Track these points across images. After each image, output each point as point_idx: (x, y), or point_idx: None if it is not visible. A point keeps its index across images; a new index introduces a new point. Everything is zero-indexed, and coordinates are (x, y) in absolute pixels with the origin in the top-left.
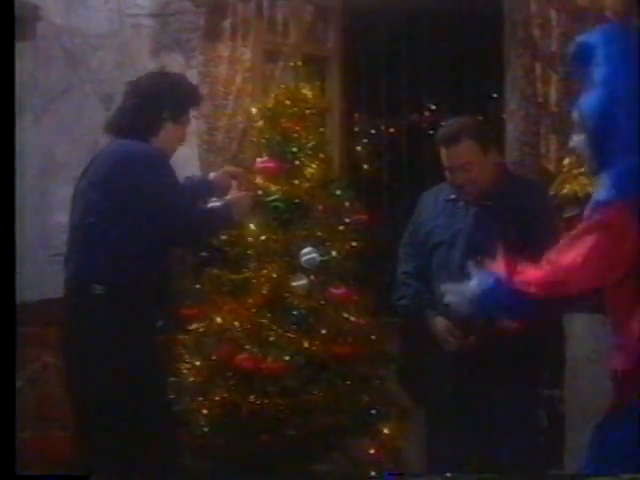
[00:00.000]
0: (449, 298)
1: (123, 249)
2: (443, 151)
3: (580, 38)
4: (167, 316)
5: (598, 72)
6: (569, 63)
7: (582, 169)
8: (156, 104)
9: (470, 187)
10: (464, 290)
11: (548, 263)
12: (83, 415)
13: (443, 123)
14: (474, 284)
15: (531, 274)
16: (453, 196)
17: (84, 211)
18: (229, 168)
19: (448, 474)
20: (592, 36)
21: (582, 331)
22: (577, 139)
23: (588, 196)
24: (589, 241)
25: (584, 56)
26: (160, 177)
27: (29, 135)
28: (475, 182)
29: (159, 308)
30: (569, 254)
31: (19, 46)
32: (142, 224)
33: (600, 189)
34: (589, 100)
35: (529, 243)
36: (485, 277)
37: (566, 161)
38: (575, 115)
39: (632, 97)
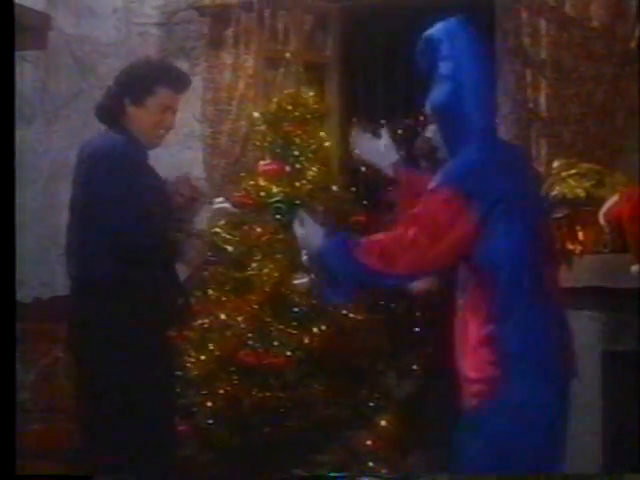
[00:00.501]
0: (304, 244)
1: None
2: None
3: (425, 33)
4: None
5: (444, 66)
6: (418, 59)
7: (571, 172)
8: (117, 88)
9: None
10: (316, 243)
11: (386, 235)
12: (89, 411)
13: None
14: (322, 242)
15: (369, 242)
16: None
17: (69, 207)
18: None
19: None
20: (436, 31)
21: (571, 325)
22: (430, 129)
23: (577, 197)
24: (418, 221)
25: (430, 51)
26: (109, 181)
27: (40, 139)
28: None
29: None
30: (400, 230)
31: (31, 54)
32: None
33: (441, 174)
34: (437, 93)
35: None
36: (333, 238)
37: (555, 164)
38: (427, 107)
39: (475, 90)
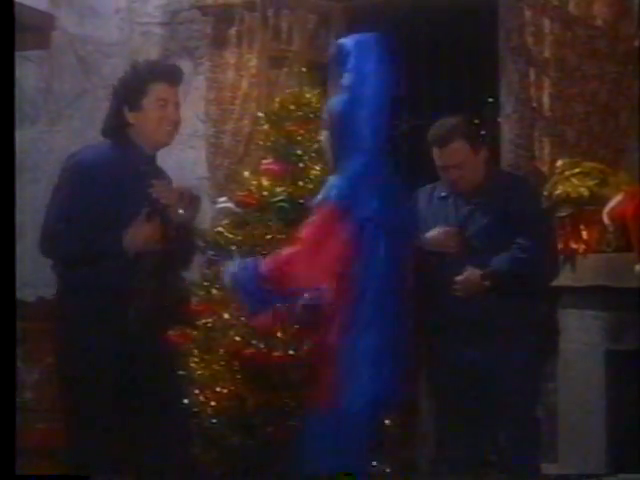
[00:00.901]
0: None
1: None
2: (435, 151)
3: (339, 42)
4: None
5: (347, 77)
6: (328, 62)
7: (575, 171)
8: (114, 101)
9: (461, 185)
10: (229, 268)
11: (278, 254)
12: (88, 411)
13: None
14: (233, 266)
15: (268, 261)
16: (444, 194)
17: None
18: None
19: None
20: (348, 42)
21: (575, 324)
22: (323, 135)
23: (581, 196)
24: (302, 238)
25: (339, 60)
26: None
27: (44, 139)
28: (466, 180)
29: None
30: (290, 246)
31: (35, 54)
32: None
33: (325, 188)
34: (334, 100)
35: (518, 239)
36: (242, 262)
37: (559, 163)
38: (325, 113)
39: (371, 107)
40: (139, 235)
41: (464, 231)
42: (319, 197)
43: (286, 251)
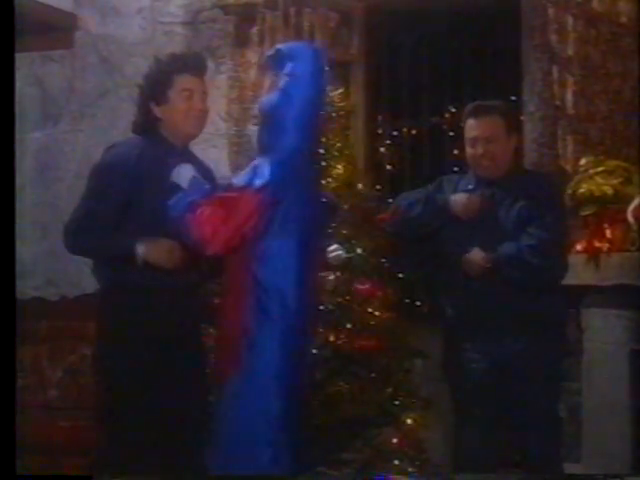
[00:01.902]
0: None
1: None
2: (471, 122)
3: (279, 46)
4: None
5: (282, 78)
6: (273, 65)
7: (598, 169)
8: (141, 97)
9: (487, 162)
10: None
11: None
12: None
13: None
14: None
15: (199, 216)
16: (471, 186)
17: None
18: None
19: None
20: (288, 48)
21: (598, 323)
22: (252, 129)
23: (604, 195)
24: (221, 204)
25: (277, 62)
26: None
27: (67, 138)
28: (492, 159)
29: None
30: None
31: (58, 54)
32: None
33: (250, 172)
34: (267, 99)
35: (529, 228)
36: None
37: (583, 161)
38: (257, 109)
39: (300, 109)
40: (155, 251)
41: (487, 202)
42: (242, 179)
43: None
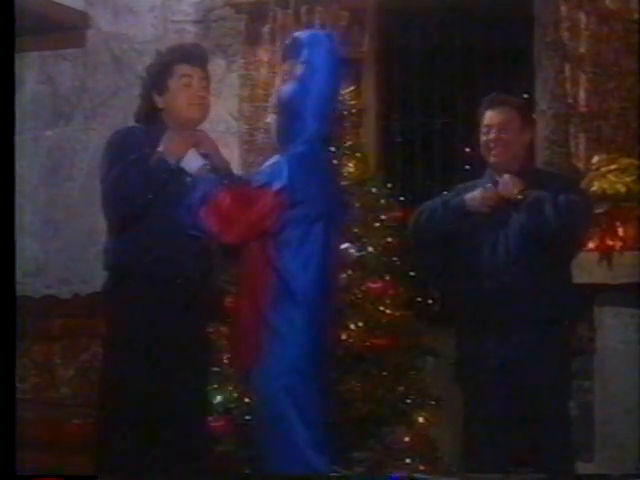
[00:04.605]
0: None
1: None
2: (487, 113)
3: (296, 34)
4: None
5: (299, 67)
6: (290, 54)
7: (611, 167)
8: (143, 88)
9: (499, 148)
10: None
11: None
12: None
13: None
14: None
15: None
16: (489, 185)
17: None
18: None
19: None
20: (303, 35)
21: (611, 322)
22: (270, 118)
23: (617, 193)
24: (237, 196)
25: (293, 51)
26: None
27: (79, 137)
28: (505, 145)
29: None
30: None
31: (70, 53)
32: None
33: (268, 170)
34: (285, 87)
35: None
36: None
37: (595, 159)
38: (274, 97)
39: (316, 100)
40: None
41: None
42: (260, 177)
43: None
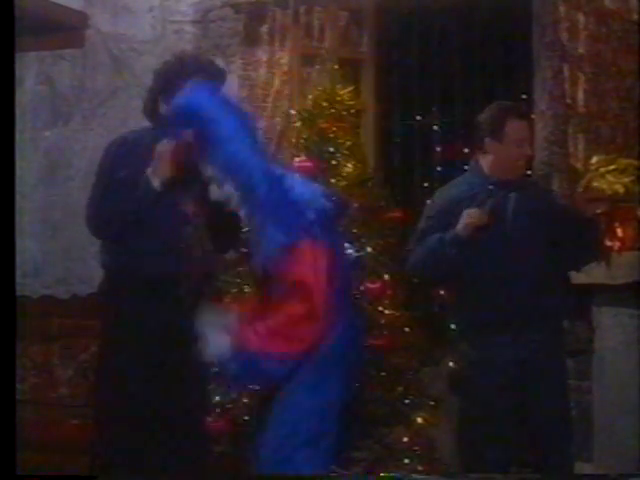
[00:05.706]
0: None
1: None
2: (517, 123)
3: (175, 103)
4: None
5: (209, 129)
6: (170, 123)
7: (609, 167)
8: (151, 90)
9: (527, 164)
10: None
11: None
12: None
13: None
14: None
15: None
16: (491, 187)
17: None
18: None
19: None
20: (186, 100)
21: (610, 323)
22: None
23: (616, 193)
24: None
25: (182, 119)
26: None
27: (78, 137)
28: (530, 159)
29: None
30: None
31: (69, 53)
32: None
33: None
34: (218, 155)
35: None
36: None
37: (594, 159)
38: (209, 170)
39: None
40: None
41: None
42: (283, 241)
43: (281, 310)
